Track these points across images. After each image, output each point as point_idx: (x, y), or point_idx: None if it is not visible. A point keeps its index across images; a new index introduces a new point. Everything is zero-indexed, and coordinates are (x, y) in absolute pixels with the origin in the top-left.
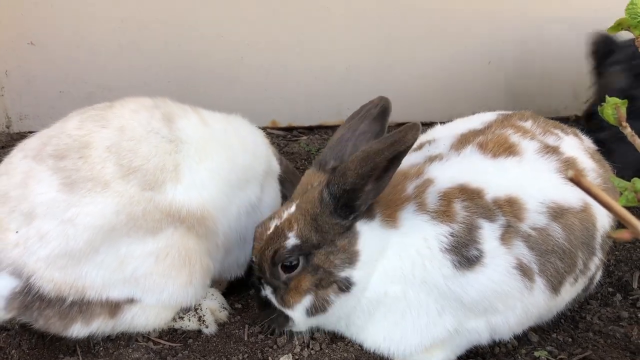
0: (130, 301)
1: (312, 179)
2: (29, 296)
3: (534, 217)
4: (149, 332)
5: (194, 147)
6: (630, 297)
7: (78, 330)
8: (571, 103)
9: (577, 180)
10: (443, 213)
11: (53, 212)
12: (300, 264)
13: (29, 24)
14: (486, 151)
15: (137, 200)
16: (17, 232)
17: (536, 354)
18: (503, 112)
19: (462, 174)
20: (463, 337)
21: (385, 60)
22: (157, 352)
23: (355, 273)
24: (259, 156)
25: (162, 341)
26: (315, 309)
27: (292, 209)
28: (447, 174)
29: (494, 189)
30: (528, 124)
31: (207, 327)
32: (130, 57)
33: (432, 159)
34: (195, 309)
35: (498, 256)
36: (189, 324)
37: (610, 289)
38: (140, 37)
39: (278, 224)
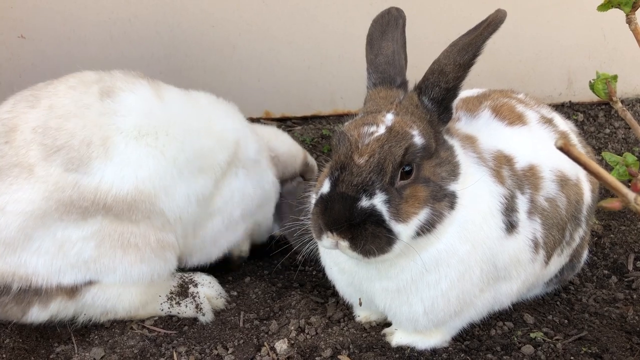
0: (89, 283)
1: (387, 95)
2: None
3: (548, 185)
4: (143, 319)
5: (132, 120)
6: (626, 279)
7: (37, 313)
8: (565, 90)
9: (566, 149)
10: (497, 174)
11: None
12: (414, 173)
13: (19, 17)
14: (502, 117)
15: (62, 186)
16: None
17: (532, 335)
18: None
19: (493, 138)
20: (476, 307)
21: None
22: (152, 339)
23: (457, 187)
24: (223, 144)
25: (157, 329)
26: (429, 225)
27: (390, 116)
28: (483, 135)
29: (519, 158)
30: (521, 96)
31: (203, 314)
32: (122, 49)
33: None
34: (193, 297)
35: (524, 227)
36: (186, 310)
37: (606, 272)
38: (132, 28)
39: (389, 124)
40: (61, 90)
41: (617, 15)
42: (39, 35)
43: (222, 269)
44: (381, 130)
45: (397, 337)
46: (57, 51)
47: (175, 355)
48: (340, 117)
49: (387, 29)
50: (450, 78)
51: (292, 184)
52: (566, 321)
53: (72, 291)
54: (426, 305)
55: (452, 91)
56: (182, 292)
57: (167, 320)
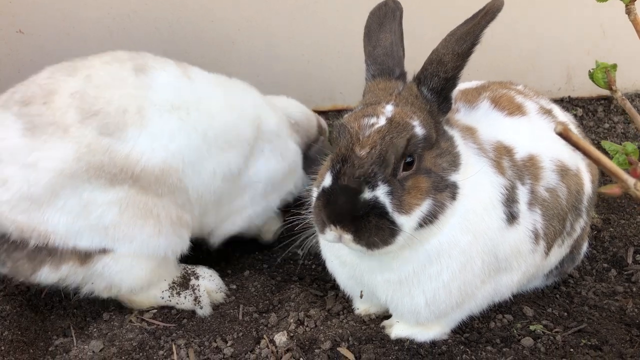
0: (103, 251)
1: (386, 87)
2: None
3: (548, 175)
4: (142, 312)
5: (165, 95)
6: (625, 272)
7: (46, 274)
8: (564, 85)
9: (565, 135)
10: (498, 165)
11: (15, 157)
12: (415, 163)
13: (18, 12)
14: (501, 108)
15: (94, 149)
16: None
17: (532, 327)
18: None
19: (493, 129)
20: (477, 298)
21: None
22: (151, 332)
23: (459, 177)
24: (248, 119)
25: (156, 322)
26: (431, 216)
27: (389, 107)
28: (482, 126)
29: (519, 148)
30: (520, 87)
31: (201, 307)
32: (121, 45)
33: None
34: (193, 289)
35: (525, 218)
36: (185, 301)
37: (605, 265)
38: (131, 24)
39: (389, 115)
40: (97, 64)
41: (616, 10)
42: (38, 31)
43: (223, 261)
44: (381, 121)
45: (397, 329)
46: (56, 47)
47: (174, 347)
48: (340, 113)
49: (385, 21)
50: (449, 67)
51: (317, 146)
52: (566, 314)
53: (85, 256)
54: (428, 297)
55: (451, 81)
56: (184, 283)
57: (166, 313)
